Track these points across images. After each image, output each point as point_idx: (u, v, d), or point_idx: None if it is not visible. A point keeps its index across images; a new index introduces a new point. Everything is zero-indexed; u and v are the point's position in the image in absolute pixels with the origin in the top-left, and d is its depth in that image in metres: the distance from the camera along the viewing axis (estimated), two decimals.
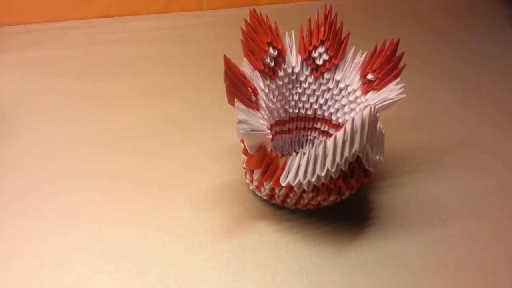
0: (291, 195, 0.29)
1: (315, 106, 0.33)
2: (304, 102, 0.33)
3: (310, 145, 0.35)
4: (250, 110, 0.27)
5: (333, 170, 0.25)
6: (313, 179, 0.26)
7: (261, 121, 0.27)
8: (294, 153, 0.26)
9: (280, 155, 0.34)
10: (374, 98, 0.29)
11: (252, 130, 0.25)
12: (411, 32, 0.56)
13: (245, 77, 0.27)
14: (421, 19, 0.59)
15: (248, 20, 0.29)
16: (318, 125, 0.34)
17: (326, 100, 0.32)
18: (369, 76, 0.30)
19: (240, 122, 0.25)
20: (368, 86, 0.30)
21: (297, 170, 0.26)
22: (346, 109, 0.32)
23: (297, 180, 0.26)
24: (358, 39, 0.41)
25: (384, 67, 0.29)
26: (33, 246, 0.27)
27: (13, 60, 0.46)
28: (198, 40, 0.51)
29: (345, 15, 0.58)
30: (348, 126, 0.24)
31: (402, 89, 0.28)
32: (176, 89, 0.44)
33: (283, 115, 0.33)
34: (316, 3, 0.62)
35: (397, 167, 0.35)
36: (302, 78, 0.32)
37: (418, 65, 0.50)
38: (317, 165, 0.26)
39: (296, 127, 0.35)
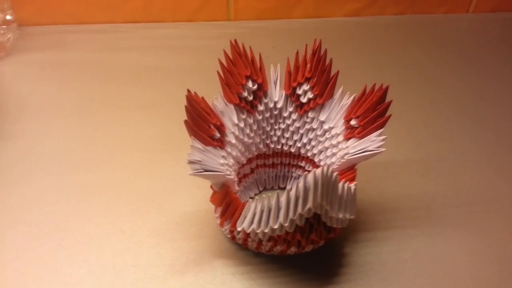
0: (249, 240, 0.27)
1: (299, 144, 0.31)
2: (287, 138, 0.31)
3: (289, 185, 0.33)
4: (210, 148, 0.25)
5: (286, 224, 0.24)
6: (267, 230, 0.24)
7: (221, 161, 0.26)
8: (250, 200, 0.25)
9: (262, 189, 0.33)
10: (355, 146, 0.27)
11: (206, 170, 0.24)
12: (415, 75, 0.50)
13: (209, 113, 0.26)
14: (432, 61, 0.53)
15: (229, 52, 0.28)
16: (303, 164, 0.32)
17: (310, 140, 0.30)
18: (352, 122, 0.27)
19: (191, 162, 0.24)
20: (350, 132, 0.27)
21: (253, 218, 0.25)
22: (329, 152, 0.29)
23: (251, 228, 0.25)
24: (353, 79, 0.38)
25: (368, 114, 0.26)
26: None
27: (33, 60, 0.48)
28: (220, 53, 0.51)
29: (342, 50, 0.53)
30: (300, 183, 0.22)
31: (383, 142, 0.26)
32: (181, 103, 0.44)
33: (264, 149, 0.31)
34: (352, 19, 0.58)
35: (386, 219, 0.32)
36: (286, 114, 0.30)
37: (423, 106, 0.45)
38: (271, 217, 0.24)
39: (281, 162, 0.33)
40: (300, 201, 0.23)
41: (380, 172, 0.36)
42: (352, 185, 0.25)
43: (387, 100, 0.26)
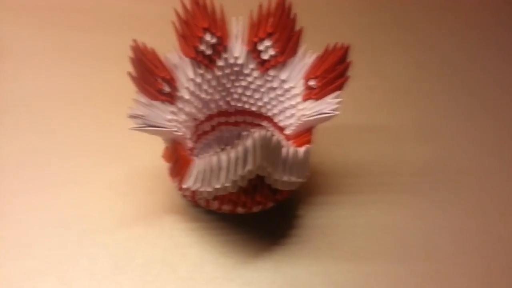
0: (197, 198, 0.27)
1: (260, 103, 0.30)
2: (249, 97, 0.30)
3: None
4: (156, 103, 0.25)
5: (228, 185, 0.23)
6: (210, 189, 0.24)
7: (168, 116, 0.25)
8: (196, 158, 0.24)
9: (223, 147, 0.33)
10: (311, 108, 0.26)
11: (149, 126, 0.24)
12: (402, 36, 0.47)
13: (158, 66, 0.25)
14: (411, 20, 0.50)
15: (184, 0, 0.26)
16: (264, 123, 0.31)
17: (271, 99, 0.29)
18: (311, 83, 0.26)
19: (132, 116, 0.23)
20: (309, 93, 0.26)
21: (196, 177, 0.24)
22: (288, 113, 0.28)
23: (196, 187, 0.24)
24: (323, 37, 0.36)
25: (327, 75, 0.25)
26: None
27: (10, 3, 0.47)
28: None
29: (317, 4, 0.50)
30: (240, 145, 0.21)
31: (338, 105, 0.24)
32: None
33: (225, 107, 0.30)
34: None
35: (346, 183, 0.31)
36: (247, 71, 0.29)
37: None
38: (213, 176, 0.23)
39: (244, 120, 0.32)
40: (240, 162, 0.22)
41: (350, 136, 0.35)
42: (302, 149, 0.25)
43: (348, 60, 0.25)
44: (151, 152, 0.33)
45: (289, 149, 0.23)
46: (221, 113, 0.31)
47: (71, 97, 0.37)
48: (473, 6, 0.53)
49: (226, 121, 0.32)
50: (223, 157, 0.23)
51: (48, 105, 0.36)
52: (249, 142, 0.21)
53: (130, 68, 0.41)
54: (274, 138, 0.22)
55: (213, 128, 0.31)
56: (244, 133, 0.21)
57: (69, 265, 0.26)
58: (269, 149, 0.22)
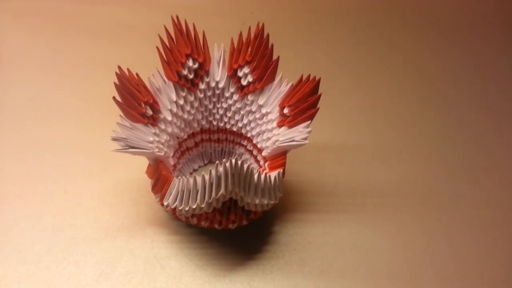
0: (177, 213, 0.29)
1: (240, 124, 0.31)
2: (230, 117, 0.31)
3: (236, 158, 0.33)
4: (139, 125, 0.26)
5: (203, 206, 0.25)
6: (187, 208, 0.26)
7: (150, 138, 0.27)
8: (175, 178, 0.26)
9: (207, 162, 0.34)
10: (284, 134, 0.27)
11: (132, 147, 0.25)
12: (386, 58, 0.48)
13: (141, 91, 0.26)
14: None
15: (169, 29, 0.27)
16: (245, 143, 0.32)
17: (250, 122, 0.31)
18: (285, 110, 0.28)
19: (115, 139, 0.25)
20: (283, 119, 0.28)
21: (176, 196, 0.26)
22: (265, 136, 0.30)
23: (174, 205, 0.26)
24: (300, 65, 0.37)
25: (299, 104, 0.27)
26: None
27: (7, 7, 0.48)
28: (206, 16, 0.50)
29: (293, 31, 0.50)
30: (213, 171, 0.23)
31: (308, 134, 0.26)
32: (148, 64, 0.43)
33: (207, 125, 0.32)
34: None
35: (321, 202, 0.33)
36: (228, 94, 0.30)
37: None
38: (190, 197, 0.25)
39: (226, 138, 0.33)
40: (214, 187, 0.24)
41: (327, 156, 0.37)
42: (273, 173, 0.26)
43: (319, 93, 0.26)
44: (138, 165, 0.34)
45: (261, 174, 0.25)
46: (204, 131, 0.33)
47: (64, 106, 0.38)
48: (456, 26, 0.54)
49: (209, 138, 0.33)
50: (199, 180, 0.24)
51: (40, 114, 0.38)
52: (221, 170, 0.23)
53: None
54: (245, 166, 0.23)
55: (196, 144, 0.33)
56: (217, 162, 0.23)
57: (56, 271, 0.28)
58: (240, 176, 0.24)
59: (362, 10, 0.54)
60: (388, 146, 0.38)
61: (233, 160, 0.22)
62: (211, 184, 0.24)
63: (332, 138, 0.37)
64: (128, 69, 0.26)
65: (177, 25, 0.27)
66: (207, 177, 0.24)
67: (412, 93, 0.44)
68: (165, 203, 0.27)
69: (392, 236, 0.31)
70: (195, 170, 0.33)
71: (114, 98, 0.25)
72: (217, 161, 0.23)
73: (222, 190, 0.23)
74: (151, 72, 0.29)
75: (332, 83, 0.43)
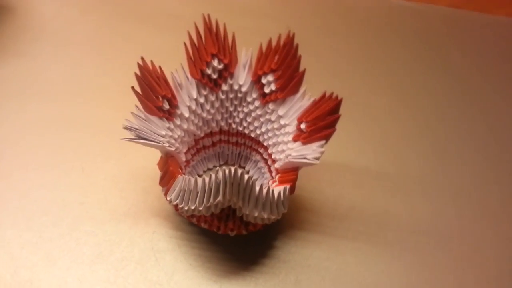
0: (179, 210, 0.29)
1: (258, 132, 0.31)
2: (249, 123, 0.31)
3: (249, 166, 0.33)
4: (153, 118, 0.26)
5: (201, 208, 0.25)
6: (186, 208, 0.26)
7: (162, 132, 0.27)
8: (180, 176, 0.26)
9: (222, 163, 0.34)
10: (297, 150, 0.26)
11: (142, 138, 0.26)
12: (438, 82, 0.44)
13: (161, 85, 0.26)
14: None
15: (198, 26, 0.27)
16: (261, 151, 0.32)
17: (268, 130, 0.30)
18: (302, 126, 0.26)
19: (126, 128, 0.25)
20: (298, 134, 0.27)
21: (178, 193, 0.26)
22: (280, 147, 0.29)
23: (175, 202, 0.26)
24: (331, 81, 0.34)
25: (317, 122, 0.25)
26: None
27: None
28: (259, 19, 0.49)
29: (334, 43, 0.47)
30: (213, 176, 0.23)
31: (320, 154, 0.25)
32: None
33: (226, 127, 0.32)
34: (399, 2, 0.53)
35: (331, 225, 0.31)
36: (250, 99, 0.30)
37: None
38: (190, 197, 0.25)
39: (244, 143, 0.33)
40: (213, 192, 0.23)
41: (347, 177, 0.35)
42: (279, 188, 0.25)
43: (338, 114, 0.25)
44: (155, 155, 0.34)
45: (263, 188, 0.24)
46: (223, 132, 0.32)
47: (97, 86, 0.39)
48: (468, 49, 0.49)
49: (227, 140, 0.33)
50: (200, 182, 0.24)
51: (73, 90, 0.39)
52: (220, 176, 0.22)
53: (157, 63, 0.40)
54: (246, 177, 0.23)
55: (214, 144, 0.33)
56: (213, 169, 0.22)
57: (57, 244, 0.29)
58: (240, 187, 0.23)
59: (410, 31, 0.50)
60: (414, 178, 0.35)
61: (233, 169, 0.22)
62: (210, 189, 0.23)
63: (356, 160, 0.36)
64: (151, 62, 0.26)
65: (207, 23, 0.27)
66: (207, 180, 0.23)
67: (455, 126, 0.40)
68: (168, 198, 0.27)
69: (399, 277, 0.29)
70: (209, 169, 0.33)
71: (133, 87, 0.25)
72: (218, 167, 0.22)
73: (220, 197, 0.23)
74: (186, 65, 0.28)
75: (366, 104, 0.41)
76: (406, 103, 0.42)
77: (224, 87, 0.29)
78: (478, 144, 0.39)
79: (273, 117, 0.29)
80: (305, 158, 0.25)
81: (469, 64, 0.47)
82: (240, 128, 0.31)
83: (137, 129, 0.25)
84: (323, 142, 0.25)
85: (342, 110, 0.28)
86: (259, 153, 0.32)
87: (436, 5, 0.53)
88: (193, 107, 0.29)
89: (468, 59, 0.47)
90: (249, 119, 0.31)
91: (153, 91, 0.26)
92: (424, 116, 0.41)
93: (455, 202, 0.34)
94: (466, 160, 0.37)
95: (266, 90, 0.28)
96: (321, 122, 0.25)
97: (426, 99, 0.43)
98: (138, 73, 0.25)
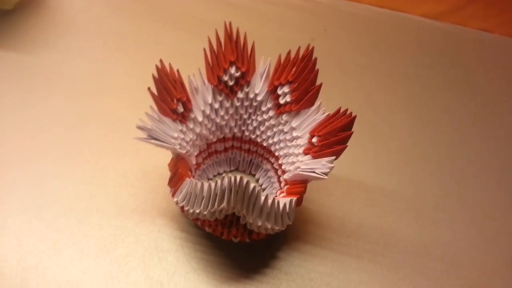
0: (185, 212, 0.29)
1: (271, 141, 0.31)
2: (262, 132, 0.31)
3: (259, 174, 0.33)
4: (167, 119, 0.27)
5: (205, 213, 0.25)
6: (191, 211, 0.26)
7: (175, 134, 0.27)
8: (188, 179, 0.26)
9: (233, 169, 0.34)
10: (307, 163, 0.26)
11: (154, 139, 0.26)
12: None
13: (176, 88, 0.27)
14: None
15: (219, 32, 0.28)
16: (272, 160, 0.32)
17: (280, 141, 0.30)
18: (314, 139, 0.26)
19: (139, 128, 0.25)
20: (310, 148, 0.27)
21: (183, 196, 0.26)
22: (290, 159, 0.29)
23: (181, 204, 0.26)
24: (349, 93, 0.33)
25: (328, 137, 0.25)
26: None
27: None
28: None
29: (357, 57, 0.46)
30: (219, 182, 0.23)
31: (329, 170, 0.24)
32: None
33: (239, 134, 0.32)
34: (429, 22, 0.52)
35: (337, 241, 0.31)
36: (264, 109, 0.30)
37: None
38: (196, 201, 0.25)
39: (256, 151, 0.33)
40: (217, 198, 0.23)
41: (359, 194, 0.34)
42: (285, 200, 0.25)
43: (351, 131, 0.25)
44: (168, 155, 0.35)
45: (268, 198, 0.24)
46: (236, 138, 0.32)
47: (118, 83, 0.40)
48: (495, 74, 0.47)
49: (240, 147, 0.33)
50: (205, 187, 0.24)
51: (94, 85, 0.40)
52: (225, 183, 0.22)
53: (183, 64, 0.40)
54: (251, 186, 0.23)
55: (226, 149, 0.33)
56: (224, 174, 0.22)
57: (64, 234, 0.29)
58: (245, 195, 0.23)
59: (437, 52, 0.49)
60: (428, 201, 0.34)
61: (238, 177, 0.22)
62: (215, 195, 0.23)
63: (369, 177, 0.35)
64: (170, 64, 0.27)
65: (227, 30, 0.27)
66: (213, 186, 0.23)
67: (476, 153, 0.39)
68: (174, 200, 0.27)
69: None
70: (219, 174, 0.33)
71: (149, 88, 0.26)
72: (224, 174, 0.22)
73: (224, 204, 0.23)
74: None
75: (386, 121, 0.40)
76: (427, 123, 0.41)
77: (240, 95, 0.29)
78: (498, 174, 0.37)
79: (286, 128, 0.29)
80: (314, 172, 0.25)
81: (496, 90, 0.46)
82: (253, 136, 0.31)
83: (150, 129, 0.25)
84: (333, 158, 0.25)
85: (360, 126, 0.27)
86: (270, 162, 0.32)
87: (466, 27, 0.52)
88: (207, 111, 0.29)
89: (494, 84, 0.46)
90: (262, 128, 0.31)
91: (169, 94, 0.26)
92: (444, 138, 0.40)
93: (468, 230, 0.33)
94: (483, 188, 0.36)
95: (281, 100, 0.28)
96: (333, 137, 0.25)
97: (448, 121, 0.42)
98: (156, 75, 0.26)
